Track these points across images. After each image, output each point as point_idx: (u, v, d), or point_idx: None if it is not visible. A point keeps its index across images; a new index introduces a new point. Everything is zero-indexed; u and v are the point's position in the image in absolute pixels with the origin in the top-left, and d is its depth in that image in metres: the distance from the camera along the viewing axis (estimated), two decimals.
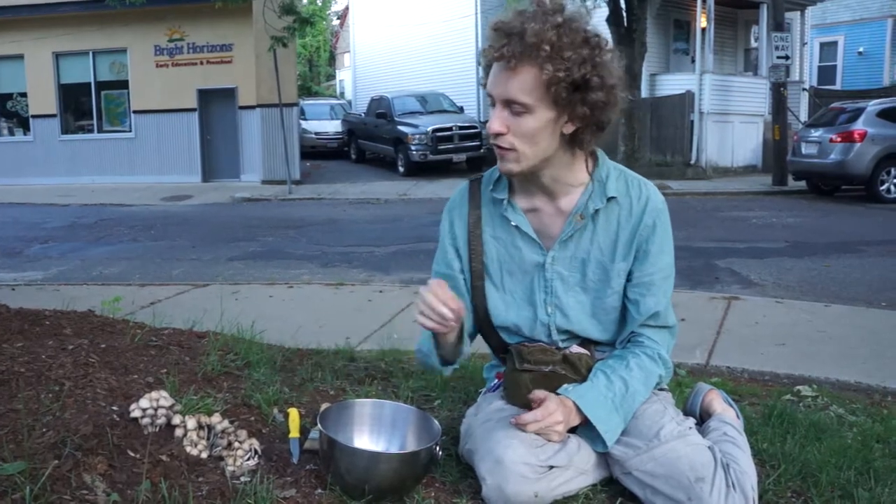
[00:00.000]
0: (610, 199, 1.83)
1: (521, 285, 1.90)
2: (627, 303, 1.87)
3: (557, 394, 1.76)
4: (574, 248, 1.86)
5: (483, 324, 1.96)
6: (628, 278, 1.86)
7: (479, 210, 1.93)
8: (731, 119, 15.59)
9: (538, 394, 1.75)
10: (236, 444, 1.82)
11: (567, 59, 1.64)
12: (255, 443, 1.85)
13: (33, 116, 16.63)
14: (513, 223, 1.88)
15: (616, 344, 1.92)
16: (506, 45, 1.66)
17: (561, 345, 1.89)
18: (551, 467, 1.69)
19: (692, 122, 15.09)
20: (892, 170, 11.40)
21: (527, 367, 1.84)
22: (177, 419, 1.85)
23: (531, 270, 1.88)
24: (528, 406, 1.78)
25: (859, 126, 11.38)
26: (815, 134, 11.96)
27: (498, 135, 1.72)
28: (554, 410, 1.70)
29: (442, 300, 1.68)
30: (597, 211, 1.83)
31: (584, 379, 1.81)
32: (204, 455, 1.78)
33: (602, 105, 1.70)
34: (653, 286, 1.85)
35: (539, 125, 1.70)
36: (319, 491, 1.71)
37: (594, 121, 1.73)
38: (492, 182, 1.92)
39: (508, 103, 1.70)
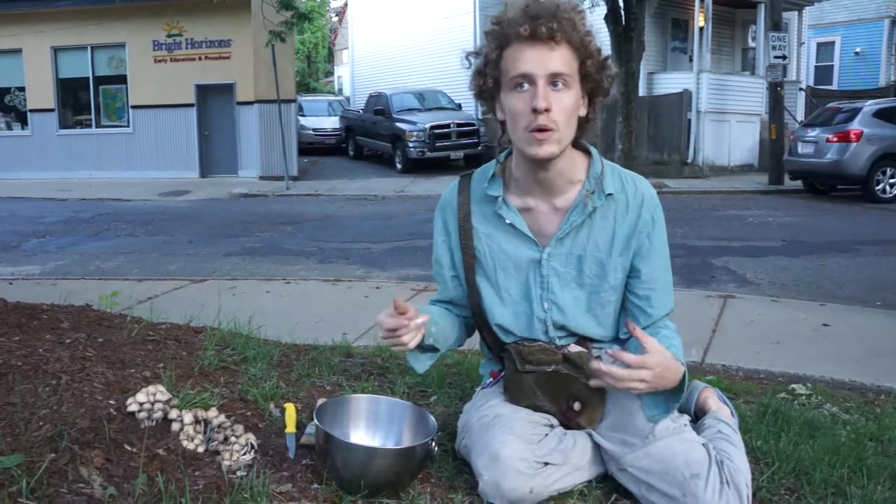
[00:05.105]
0: (607, 195, 1.83)
1: (516, 282, 1.89)
2: (636, 300, 1.86)
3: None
4: (570, 244, 1.85)
5: (478, 320, 1.95)
6: (634, 275, 1.85)
7: (468, 205, 1.92)
8: (728, 118, 15.59)
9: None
10: (233, 439, 1.83)
11: (594, 39, 1.73)
12: (252, 437, 1.86)
13: (31, 111, 16.56)
14: (507, 221, 1.86)
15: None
16: (542, 23, 1.66)
17: (558, 342, 1.88)
18: (547, 464, 1.70)
19: (689, 120, 15.10)
20: (888, 170, 11.42)
21: (529, 369, 1.84)
22: (173, 413, 1.86)
23: (526, 267, 1.88)
24: (532, 407, 1.82)
25: (856, 126, 11.40)
26: (812, 133, 11.97)
27: (545, 112, 1.68)
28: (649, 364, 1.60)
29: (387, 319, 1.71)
30: (594, 208, 1.83)
31: (587, 377, 1.81)
32: (200, 449, 1.79)
33: (608, 87, 1.77)
34: (660, 280, 1.87)
35: (575, 102, 1.73)
36: (315, 486, 1.72)
37: (602, 96, 1.78)
38: (486, 178, 1.90)
39: (553, 78, 1.69)
